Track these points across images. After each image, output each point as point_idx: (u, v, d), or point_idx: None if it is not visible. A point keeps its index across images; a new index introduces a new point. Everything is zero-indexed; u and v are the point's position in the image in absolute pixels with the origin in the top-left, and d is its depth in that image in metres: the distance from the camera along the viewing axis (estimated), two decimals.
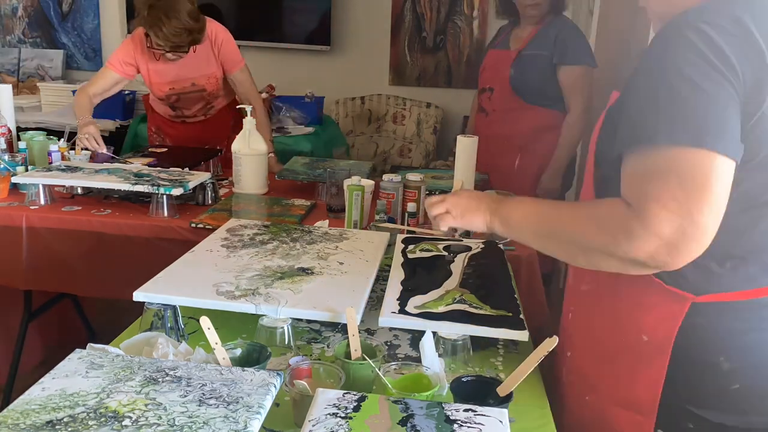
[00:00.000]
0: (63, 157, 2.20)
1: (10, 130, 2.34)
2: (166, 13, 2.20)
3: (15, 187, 2.03)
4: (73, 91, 3.71)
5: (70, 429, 0.77)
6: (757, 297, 0.96)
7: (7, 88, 2.38)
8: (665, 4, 1.01)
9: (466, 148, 1.85)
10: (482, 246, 1.58)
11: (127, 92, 3.67)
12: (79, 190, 2.07)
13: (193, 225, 1.84)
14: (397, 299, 1.24)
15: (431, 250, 1.53)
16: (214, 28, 2.47)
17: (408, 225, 1.79)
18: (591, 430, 1.11)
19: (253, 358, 1.03)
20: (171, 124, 2.71)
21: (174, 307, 1.16)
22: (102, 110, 3.53)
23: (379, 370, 0.98)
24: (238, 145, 2.17)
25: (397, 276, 1.37)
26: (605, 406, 1.08)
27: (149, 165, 2.21)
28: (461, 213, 1.19)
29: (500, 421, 0.83)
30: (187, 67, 2.46)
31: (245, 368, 0.94)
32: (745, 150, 0.88)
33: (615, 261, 0.93)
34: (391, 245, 1.57)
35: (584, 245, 0.97)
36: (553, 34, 2.45)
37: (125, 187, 1.90)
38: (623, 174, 0.93)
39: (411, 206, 1.85)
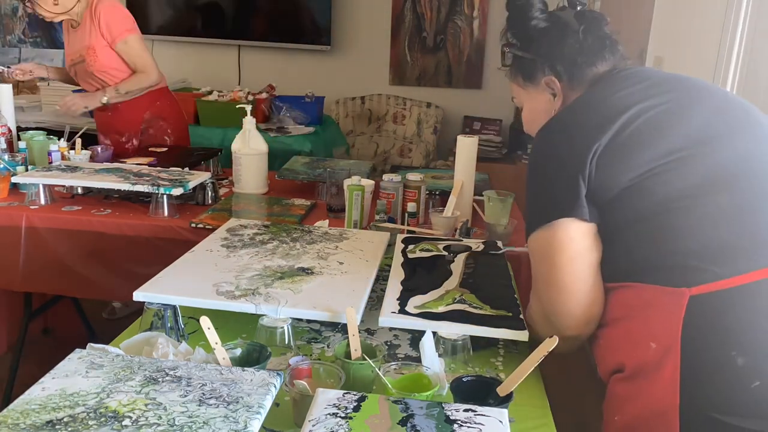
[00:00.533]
0: (63, 157, 2.20)
1: (10, 130, 2.34)
2: None
3: (15, 187, 2.03)
4: (73, 92, 3.72)
5: (70, 429, 0.77)
6: (754, 280, 0.94)
7: (7, 88, 2.39)
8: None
9: (466, 148, 1.85)
10: (482, 246, 1.58)
11: None
12: (79, 190, 2.07)
13: (193, 225, 1.84)
14: (397, 299, 1.24)
15: (431, 250, 1.53)
16: (97, 0, 2.49)
17: (408, 225, 1.79)
18: None
19: (253, 358, 1.03)
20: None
21: (174, 307, 1.16)
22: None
23: (379, 370, 0.98)
24: (237, 145, 2.17)
25: (397, 276, 1.37)
26: (630, 422, 1.04)
27: (149, 165, 2.21)
28: None
29: (500, 421, 0.83)
30: (76, 39, 2.55)
31: (245, 368, 0.94)
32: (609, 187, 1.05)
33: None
34: (391, 245, 1.57)
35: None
36: None
37: (125, 187, 1.90)
38: None
39: (411, 206, 1.85)
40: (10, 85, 2.45)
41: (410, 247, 1.55)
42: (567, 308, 1.07)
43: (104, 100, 2.52)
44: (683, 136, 1.04)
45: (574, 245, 1.06)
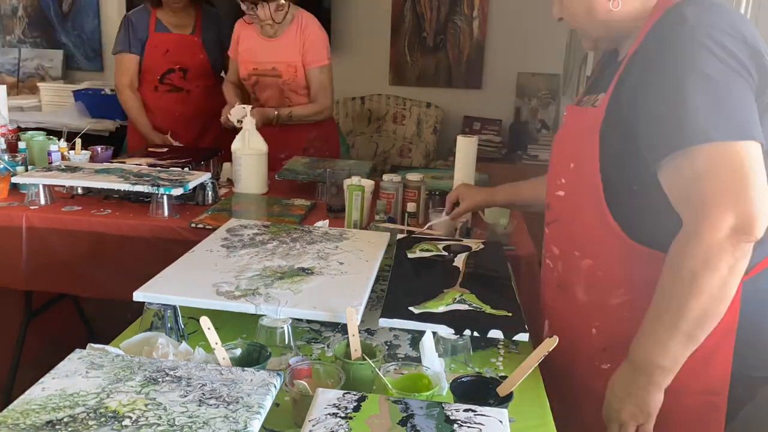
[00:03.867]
0: (63, 157, 2.20)
1: (11, 130, 2.35)
2: None
3: (15, 187, 2.03)
4: (74, 91, 3.72)
5: (70, 429, 0.77)
6: None
7: (1, 88, 2.39)
8: (603, 28, 1.12)
9: (466, 148, 1.85)
10: (482, 246, 1.58)
11: None
12: (79, 190, 2.07)
13: (193, 225, 1.84)
14: (398, 299, 1.24)
15: (431, 250, 1.53)
16: (306, 19, 2.48)
17: (408, 225, 1.79)
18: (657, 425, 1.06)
19: (253, 358, 1.03)
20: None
21: (174, 307, 1.16)
22: (102, 111, 3.56)
23: (379, 370, 0.98)
24: (237, 145, 2.17)
25: (397, 276, 1.37)
26: (672, 399, 1.04)
27: (149, 165, 2.21)
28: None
29: (500, 421, 0.83)
30: (272, 50, 2.49)
31: (245, 368, 0.94)
32: None
33: (723, 264, 0.93)
34: (391, 245, 1.57)
35: (695, 282, 0.94)
36: None
37: (125, 187, 1.90)
38: (669, 183, 0.98)
39: (411, 206, 1.85)
40: (5, 86, 2.45)
41: (410, 247, 1.55)
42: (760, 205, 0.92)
43: (274, 119, 2.44)
44: None
45: (762, 167, 0.94)
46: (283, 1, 2.37)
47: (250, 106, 2.27)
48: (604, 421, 1.09)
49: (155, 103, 2.73)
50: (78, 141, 2.28)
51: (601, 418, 1.11)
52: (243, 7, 2.39)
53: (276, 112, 2.45)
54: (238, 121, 2.27)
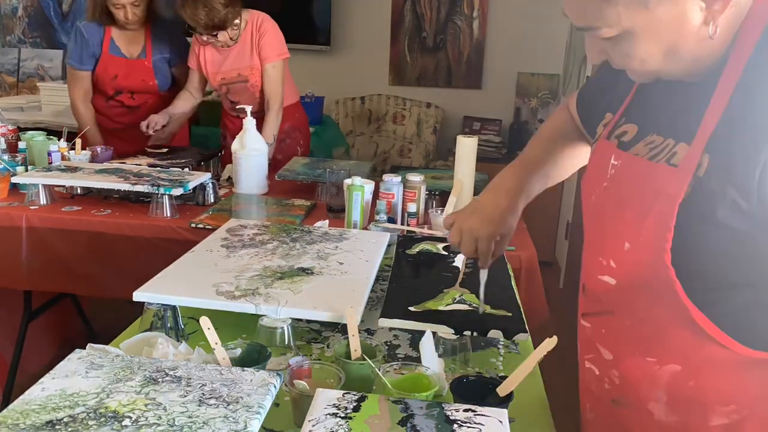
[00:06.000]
0: (63, 157, 2.20)
1: (11, 130, 2.35)
2: None
3: (15, 187, 2.03)
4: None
5: (70, 429, 0.77)
6: None
7: None
8: (687, 65, 0.81)
9: (466, 148, 1.85)
10: None
11: None
12: (79, 190, 2.07)
13: (193, 225, 1.84)
14: (398, 299, 1.24)
15: (431, 250, 1.53)
16: (259, 18, 2.51)
17: (408, 225, 1.79)
18: None
19: (253, 358, 1.03)
20: (231, 118, 2.74)
21: (174, 307, 1.16)
22: None
23: (379, 370, 0.98)
24: (237, 145, 2.17)
25: (397, 276, 1.37)
26: None
27: (149, 165, 2.21)
28: None
29: (500, 421, 0.83)
30: (234, 57, 2.53)
31: (245, 368, 0.94)
32: None
33: None
34: (391, 245, 1.57)
35: None
36: None
37: (125, 187, 1.90)
38: None
39: (411, 206, 1.85)
40: None
41: (410, 247, 1.55)
42: None
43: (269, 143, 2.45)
44: None
45: None
46: (237, 21, 2.43)
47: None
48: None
49: (106, 111, 2.71)
50: (78, 141, 2.29)
51: None
52: (203, 38, 2.44)
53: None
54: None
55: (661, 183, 0.79)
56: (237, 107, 2.50)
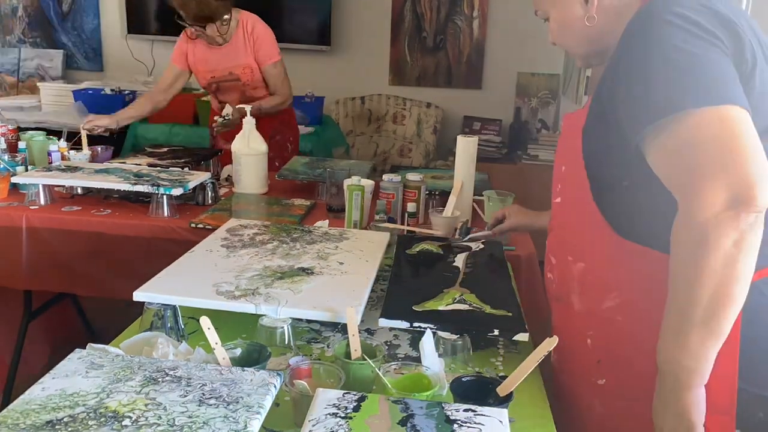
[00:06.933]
0: (63, 157, 2.20)
1: (11, 130, 2.34)
2: None
3: (15, 187, 2.03)
4: (73, 91, 3.72)
5: (70, 429, 0.77)
6: None
7: None
8: (585, 44, 1.12)
9: (466, 148, 1.85)
10: (482, 246, 1.58)
11: (127, 92, 3.67)
12: (79, 190, 2.07)
13: (193, 225, 1.84)
14: (398, 299, 1.24)
15: (431, 250, 1.53)
16: (250, 20, 2.57)
17: (408, 225, 1.79)
18: None
19: (253, 358, 1.03)
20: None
21: (174, 307, 1.16)
22: (102, 111, 3.55)
23: (379, 370, 0.98)
24: (237, 145, 2.17)
25: (397, 276, 1.37)
26: None
27: (149, 165, 2.21)
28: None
29: (500, 421, 0.83)
30: (225, 56, 2.57)
31: (245, 368, 0.94)
32: None
33: (724, 240, 0.84)
34: (391, 245, 1.57)
35: (701, 268, 0.86)
36: None
37: (125, 187, 1.90)
38: (655, 159, 0.92)
39: (411, 206, 1.85)
40: None
41: (410, 247, 1.55)
42: (755, 170, 0.83)
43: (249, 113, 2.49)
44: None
45: (752, 132, 0.87)
46: (227, 16, 2.47)
47: (229, 107, 2.40)
48: None
49: None
50: (84, 135, 2.30)
51: None
52: (190, 29, 2.49)
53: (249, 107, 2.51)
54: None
55: (576, 120, 1.08)
56: (237, 106, 2.51)
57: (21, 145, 2.21)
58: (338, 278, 1.30)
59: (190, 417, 0.80)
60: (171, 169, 2.13)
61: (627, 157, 0.96)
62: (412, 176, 1.91)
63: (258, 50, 2.57)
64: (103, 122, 2.48)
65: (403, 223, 1.84)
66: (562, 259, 1.14)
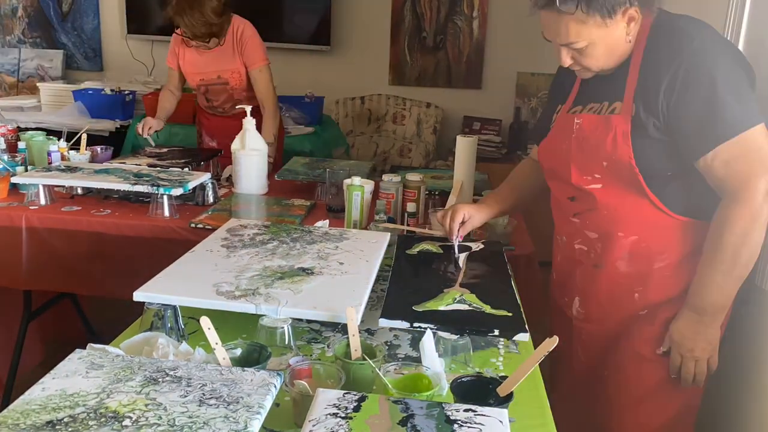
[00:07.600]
0: (63, 157, 2.20)
1: (11, 130, 2.35)
2: (190, 5, 2.37)
3: (15, 187, 2.03)
4: (73, 91, 3.72)
5: (70, 429, 0.77)
6: None
7: None
8: (617, 60, 1.29)
9: (466, 148, 1.85)
10: (482, 246, 1.58)
11: (127, 92, 3.67)
12: (79, 190, 2.07)
13: (193, 225, 1.84)
14: (398, 299, 1.24)
15: (431, 250, 1.53)
16: (240, 25, 2.59)
17: (408, 225, 1.79)
18: None
19: (253, 358, 1.03)
20: (206, 115, 2.84)
21: (174, 307, 1.16)
22: (102, 111, 3.56)
23: (379, 370, 0.98)
24: (237, 145, 2.17)
25: (397, 276, 1.37)
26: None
27: (149, 165, 2.21)
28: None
29: (500, 421, 0.83)
30: (214, 60, 2.60)
31: (245, 368, 0.94)
32: None
33: (764, 218, 1.19)
34: (391, 245, 1.57)
35: (735, 248, 1.20)
36: None
37: (125, 187, 1.90)
38: (712, 169, 1.21)
39: (411, 206, 1.85)
40: None
41: (410, 247, 1.55)
42: None
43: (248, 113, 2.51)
44: None
45: None
46: (227, 26, 2.52)
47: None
48: (673, 366, 1.31)
49: None
50: (84, 138, 2.29)
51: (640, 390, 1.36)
52: (192, 42, 2.53)
53: (270, 159, 2.52)
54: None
55: (614, 124, 1.28)
56: (237, 107, 2.52)
57: (21, 145, 2.21)
58: (338, 278, 1.30)
59: (190, 417, 0.80)
60: (171, 169, 2.13)
61: (677, 155, 1.24)
62: (412, 176, 1.91)
63: (244, 54, 2.59)
64: (155, 124, 2.60)
65: (402, 223, 1.83)
66: (609, 234, 1.35)
